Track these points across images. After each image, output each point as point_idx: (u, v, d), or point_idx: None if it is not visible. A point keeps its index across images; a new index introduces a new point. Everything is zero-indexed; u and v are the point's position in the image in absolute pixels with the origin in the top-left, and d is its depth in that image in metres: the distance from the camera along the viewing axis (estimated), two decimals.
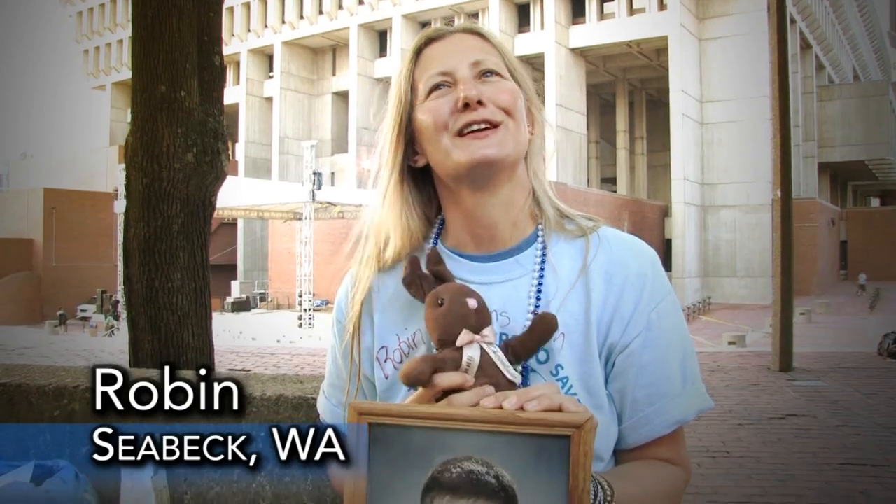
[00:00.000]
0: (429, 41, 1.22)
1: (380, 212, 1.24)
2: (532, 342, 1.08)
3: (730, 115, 42.35)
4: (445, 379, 1.01)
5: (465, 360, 1.03)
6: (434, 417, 0.94)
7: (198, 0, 4.29)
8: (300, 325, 31.16)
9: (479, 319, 1.06)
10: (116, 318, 36.20)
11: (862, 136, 52.49)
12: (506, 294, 1.16)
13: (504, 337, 1.13)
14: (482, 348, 1.04)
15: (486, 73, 1.16)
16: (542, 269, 1.17)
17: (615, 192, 49.79)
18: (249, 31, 55.85)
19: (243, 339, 22.76)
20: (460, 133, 1.13)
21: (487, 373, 1.03)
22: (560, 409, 0.91)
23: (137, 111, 4.07)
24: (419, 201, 1.25)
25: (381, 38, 53.33)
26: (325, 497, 1.54)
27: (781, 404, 6.89)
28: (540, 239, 1.20)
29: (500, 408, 0.92)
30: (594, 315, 1.14)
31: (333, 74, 57.11)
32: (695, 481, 4.58)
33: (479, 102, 1.12)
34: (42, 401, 1.68)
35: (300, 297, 32.32)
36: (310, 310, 31.74)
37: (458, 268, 1.20)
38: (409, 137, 1.21)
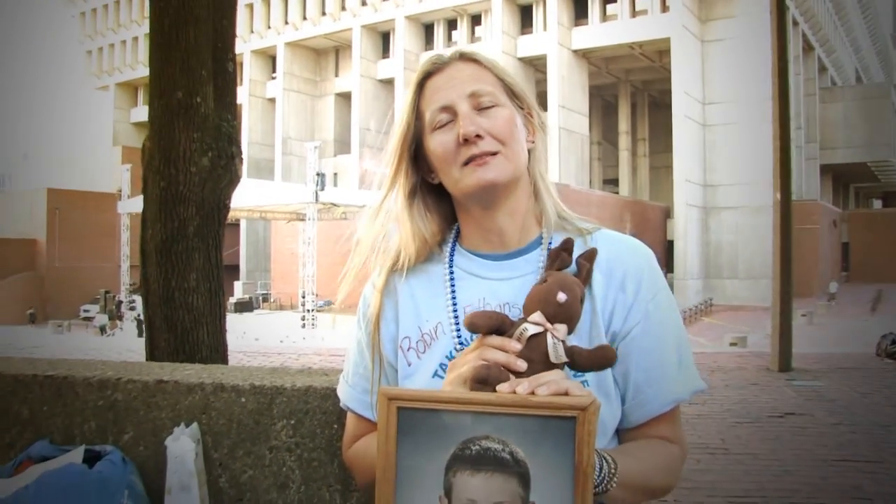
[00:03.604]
0: (429, 74, 1.36)
1: (373, 226, 1.40)
2: (590, 361, 1.17)
3: (732, 116, 42.35)
4: (492, 340, 1.15)
5: (521, 328, 1.15)
6: (456, 401, 1.07)
7: (212, 8, 4.40)
8: (303, 326, 31.16)
9: (560, 313, 1.16)
10: (120, 318, 36.34)
11: (864, 137, 52.48)
12: (516, 289, 1.30)
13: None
14: (548, 338, 1.14)
15: (484, 106, 1.30)
16: None
17: (617, 193, 49.85)
18: (252, 31, 55.95)
19: (246, 340, 22.80)
20: (465, 162, 1.28)
21: (536, 358, 1.13)
22: (566, 394, 1.05)
23: (155, 116, 4.18)
24: (438, 210, 1.41)
25: (383, 39, 53.42)
26: (349, 479, 1.67)
27: (780, 403, 7.00)
28: (544, 240, 1.35)
29: (514, 393, 1.06)
30: (598, 305, 1.28)
31: (336, 75, 57.21)
32: (693, 476, 4.71)
33: (478, 136, 1.27)
34: (87, 391, 1.80)
35: (303, 297, 32.30)
36: (313, 310, 31.74)
37: (475, 266, 1.36)
38: (421, 157, 1.37)
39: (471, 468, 1.05)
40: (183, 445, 1.64)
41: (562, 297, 1.16)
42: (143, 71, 60.39)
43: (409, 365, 1.35)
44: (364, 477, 1.36)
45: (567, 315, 1.17)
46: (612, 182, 54.41)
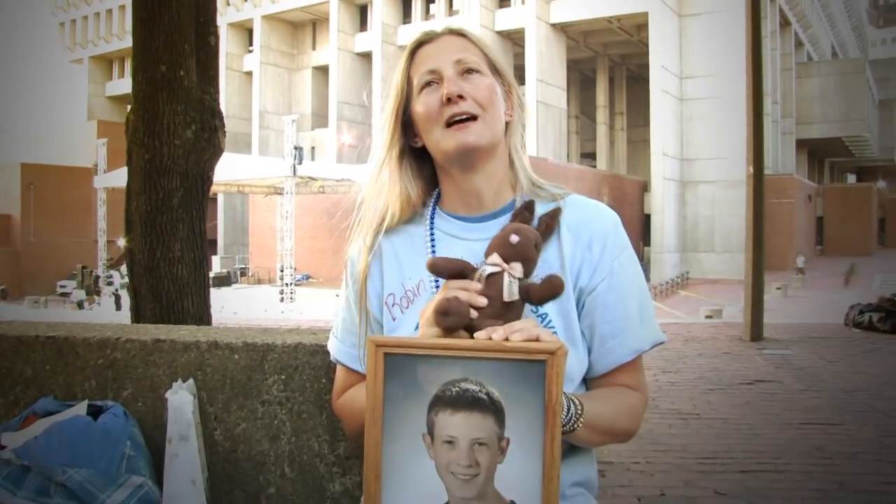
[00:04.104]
0: (421, 43, 1.49)
1: (375, 185, 1.51)
2: (541, 294, 1.28)
3: (709, 91, 42.56)
4: (454, 283, 1.27)
5: (480, 269, 1.28)
6: (437, 347, 1.18)
7: None
8: (281, 300, 31.29)
9: (513, 253, 1.29)
10: (98, 293, 36.22)
11: (839, 113, 52.95)
12: None
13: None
14: (504, 276, 1.26)
15: (468, 71, 1.43)
16: None
17: (595, 167, 50.08)
18: (229, 4, 55.39)
19: (225, 314, 22.85)
20: (447, 124, 1.40)
21: (495, 294, 1.26)
22: (537, 340, 1.16)
23: (139, 90, 4.23)
24: (421, 175, 1.53)
25: (361, 12, 53.06)
26: (337, 430, 1.78)
27: (750, 371, 7.18)
28: (517, 203, 1.46)
29: (490, 339, 1.18)
30: (567, 263, 1.41)
31: (313, 49, 56.84)
32: (666, 440, 4.88)
33: (460, 97, 1.40)
34: (87, 351, 1.90)
35: (281, 271, 32.37)
36: (291, 284, 31.86)
37: (454, 227, 1.48)
38: (408, 122, 1.49)
39: (451, 408, 1.16)
40: (181, 398, 1.75)
41: (514, 238, 1.30)
42: (117, 44, 59.75)
43: (394, 320, 1.47)
44: (353, 423, 1.47)
45: (521, 255, 1.30)
46: (589, 156, 54.61)
